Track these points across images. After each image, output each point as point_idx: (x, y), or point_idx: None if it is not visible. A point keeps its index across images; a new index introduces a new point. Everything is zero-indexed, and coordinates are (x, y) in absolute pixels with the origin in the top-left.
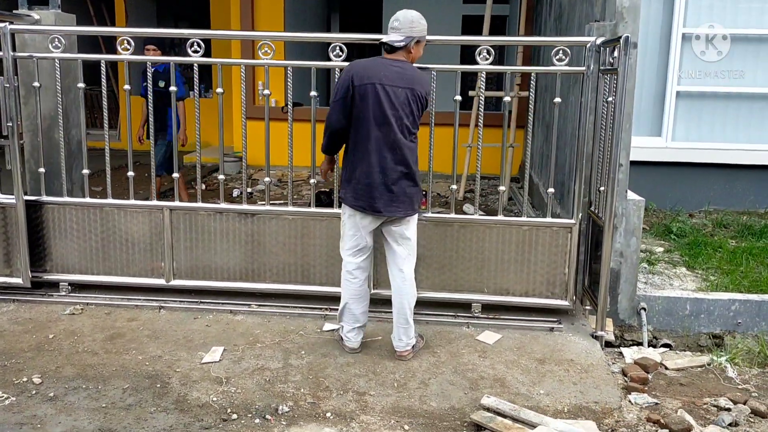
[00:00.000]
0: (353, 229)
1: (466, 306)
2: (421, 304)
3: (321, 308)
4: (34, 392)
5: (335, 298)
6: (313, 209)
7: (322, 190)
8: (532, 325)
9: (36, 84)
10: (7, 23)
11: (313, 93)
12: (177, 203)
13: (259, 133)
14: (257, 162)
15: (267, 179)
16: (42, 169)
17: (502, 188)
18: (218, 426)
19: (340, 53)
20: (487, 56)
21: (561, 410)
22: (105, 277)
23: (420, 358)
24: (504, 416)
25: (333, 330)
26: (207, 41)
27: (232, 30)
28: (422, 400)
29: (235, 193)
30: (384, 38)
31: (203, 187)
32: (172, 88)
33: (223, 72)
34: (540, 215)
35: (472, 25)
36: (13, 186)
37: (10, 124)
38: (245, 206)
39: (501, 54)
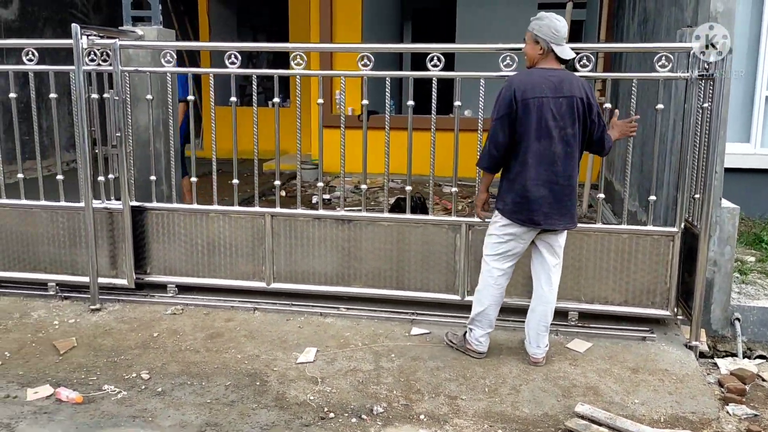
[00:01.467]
0: (507, 237)
1: (560, 314)
2: (513, 311)
3: (408, 312)
4: (143, 387)
5: (425, 303)
6: (409, 216)
7: (401, 196)
8: (623, 334)
9: (149, 96)
10: (117, 39)
11: (410, 102)
12: (278, 209)
13: (335, 140)
14: (334, 169)
15: (363, 186)
16: (153, 177)
17: (601, 196)
18: (317, 424)
19: (438, 63)
20: (587, 63)
21: (657, 420)
22: (205, 279)
23: (509, 365)
24: (599, 424)
25: (422, 334)
26: (286, 52)
27: (311, 42)
28: (514, 406)
29: (314, 200)
30: (571, 55)
31: (283, 193)
32: (190, 97)
33: (300, 82)
34: (620, 223)
35: None
36: (120, 193)
37: (119, 134)
38: (342, 212)
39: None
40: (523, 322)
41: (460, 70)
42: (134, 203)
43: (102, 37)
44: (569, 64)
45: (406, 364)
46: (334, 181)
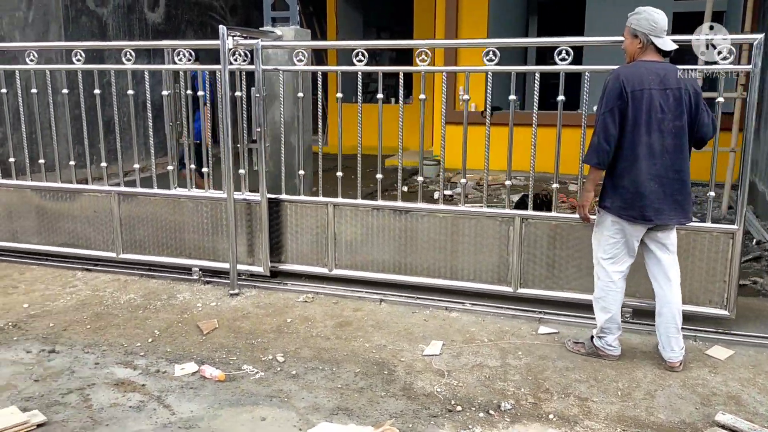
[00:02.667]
0: (618, 236)
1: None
2: (646, 314)
3: (535, 311)
4: (278, 369)
5: (549, 302)
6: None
7: (526, 194)
8: None
9: (300, 95)
10: (259, 40)
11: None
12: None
13: (457, 137)
14: (455, 165)
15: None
16: (302, 172)
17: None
18: (444, 416)
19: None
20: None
21: None
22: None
23: (644, 369)
24: None
25: (549, 333)
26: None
27: (436, 39)
28: (649, 412)
29: (435, 195)
30: (673, 46)
31: (405, 189)
32: (200, 93)
33: (424, 78)
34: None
35: (683, 23)
36: (258, 185)
37: (259, 130)
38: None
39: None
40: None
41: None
42: (270, 195)
43: (245, 38)
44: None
45: (533, 363)
46: (455, 177)
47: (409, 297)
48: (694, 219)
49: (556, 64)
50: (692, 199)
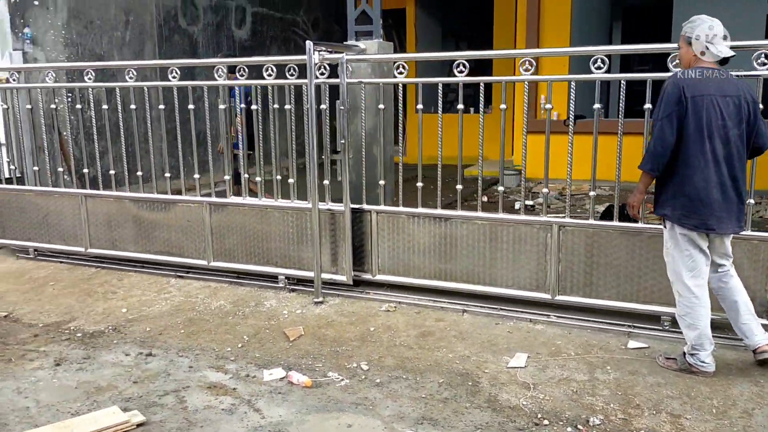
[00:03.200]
0: (691, 247)
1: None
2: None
3: (623, 324)
4: (363, 377)
5: (637, 315)
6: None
7: (611, 204)
8: None
9: (381, 106)
10: (344, 54)
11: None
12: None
13: (538, 146)
14: (536, 175)
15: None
16: (382, 182)
17: (750, 201)
18: (530, 429)
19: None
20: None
21: None
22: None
23: (740, 386)
24: None
25: (639, 348)
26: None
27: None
28: (746, 431)
29: (516, 205)
30: (724, 54)
31: (485, 199)
32: (242, 105)
33: (505, 87)
34: None
35: None
36: (342, 195)
37: (343, 141)
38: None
39: None
40: None
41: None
42: (353, 205)
43: (330, 52)
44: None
45: (623, 378)
46: (536, 186)
47: (492, 308)
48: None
49: (641, 72)
50: (745, 206)
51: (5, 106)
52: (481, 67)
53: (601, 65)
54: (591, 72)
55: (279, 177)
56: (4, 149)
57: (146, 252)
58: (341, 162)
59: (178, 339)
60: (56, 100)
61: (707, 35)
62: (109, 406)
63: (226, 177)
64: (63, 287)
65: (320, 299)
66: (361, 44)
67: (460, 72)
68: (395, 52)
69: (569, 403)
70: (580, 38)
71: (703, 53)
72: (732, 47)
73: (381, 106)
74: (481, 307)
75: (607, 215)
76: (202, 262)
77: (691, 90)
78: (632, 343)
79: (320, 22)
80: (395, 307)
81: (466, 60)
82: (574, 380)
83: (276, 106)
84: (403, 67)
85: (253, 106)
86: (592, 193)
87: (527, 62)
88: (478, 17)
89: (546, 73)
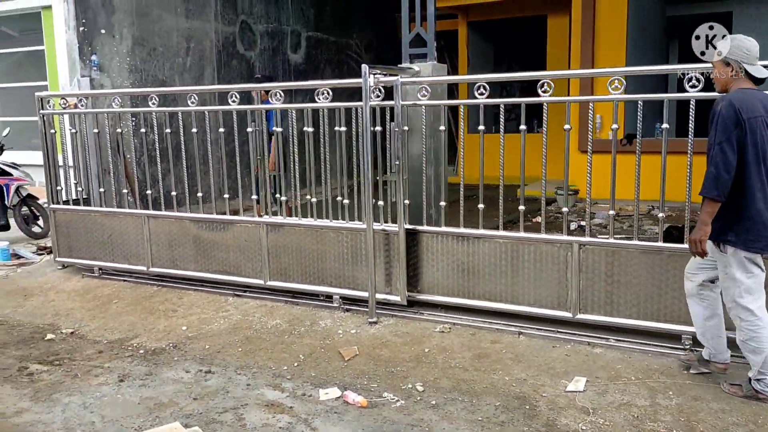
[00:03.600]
0: (755, 269)
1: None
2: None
3: (686, 349)
4: (418, 398)
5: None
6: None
7: (674, 225)
8: None
9: (442, 128)
10: (398, 77)
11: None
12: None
13: (594, 166)
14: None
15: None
16: (443, 203)
17: None
18: None
19: (696, 83)
20: None
21: None
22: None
23: None
24: None
25: (702, 373)
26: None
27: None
28: None
29: (573, 226)
30: (761, 74)
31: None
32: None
33: (554, 107)
34: None
35: None
36: (395, 215)
37: (398, 162)
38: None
39: None
40: None
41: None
42: (407, 226)
43: (385, 75)
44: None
45: (686, 404)
46: (593, 207)
47: (549, 330)
48: None
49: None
50: None
51: (74, 130)
52: (531, 87)
53: (695, 83)
54: (650, 91)
55: (333, 198)
56: (72, 171)
57: (205, 271)
58: (396, 183)
59: (236, 357)
60: (121, 124)
61: (745, 55)
62: (171, 422)
63: (254, 197)
64: (126, 305)
65: (374, 319)
66: (416, 66)
67: (545, 92)
68: (448, 74)
69: (630, 428)
70: (635, 56)
71: (739, 74)
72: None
73: (442, 127)
74: (537, 329)
75: (669, 237)
76: (259, 282)
77: (746, 111)
78: (695, 368)
79: (373, 45)
80: (450, 328)
81: (519, 80)
82: (635, 405)
83: (340, 128)
84: (485, 88)
85: (278, 129)
86: (660, 215)
87: (616, 81)
88: (532, 37)
89: (600, 91)
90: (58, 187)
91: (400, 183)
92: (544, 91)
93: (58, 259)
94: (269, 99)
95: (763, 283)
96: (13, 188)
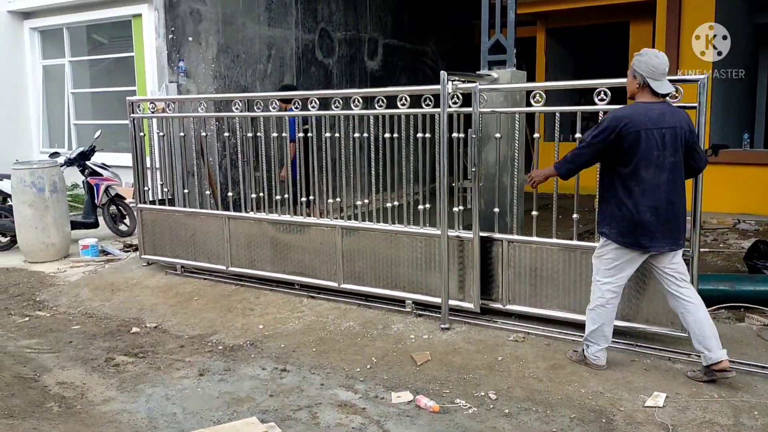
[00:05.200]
0: (618, 260)
1: None
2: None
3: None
4: (491, 406)
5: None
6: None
7: (762, 239)
8: None
9: (517, 135)
10: (477, 84)
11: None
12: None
13: None
14: None
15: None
16: (516, 209)
17: None
18: None
19: None
20: (676, 95)
21: None
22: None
23: None
24: None
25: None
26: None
27: None
28: None
29: None
30: (668, 90)
31: None
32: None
33: None
34: None
35: None
36: (470, 222)
37: (474, 169)
38: None
39: None
40: None
41: None
42: (482, 233)
43: (463, 82)
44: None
45: None
46: None
47: (628, 344)
48: None
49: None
50: (685, 228)
51: (161, 133)
52: (619, 94)
53: (604, 96)
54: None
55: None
56: (159, 173)
57: (281, 272)
58: (471, 189)
59: (310, 356)
60: (205, 128)
61: (650, 71)
62: (248, 416)
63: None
64: (206, 302)
65: (447, 325)
66: (494, 73)
67: (601, 100)
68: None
69: None
70: (722, 64)
71: (643, 87)
72: None
73: (497, 135)
74: (615, 342)
75: (753, 252)
76: (333, 284)
77: (627, 126)
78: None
79: (449, 52)
80: (524, 337)
81: (607, 87)
82: (717, 424)
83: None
84: (540, 96)
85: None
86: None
87: (537, 94)
88: (613, 45)
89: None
90: (146, 188)
91: (476, 190)
92: (601, 99)
93: (143, 256)
94: (291, 108)
95: (622, 276)
96: (102, 188)
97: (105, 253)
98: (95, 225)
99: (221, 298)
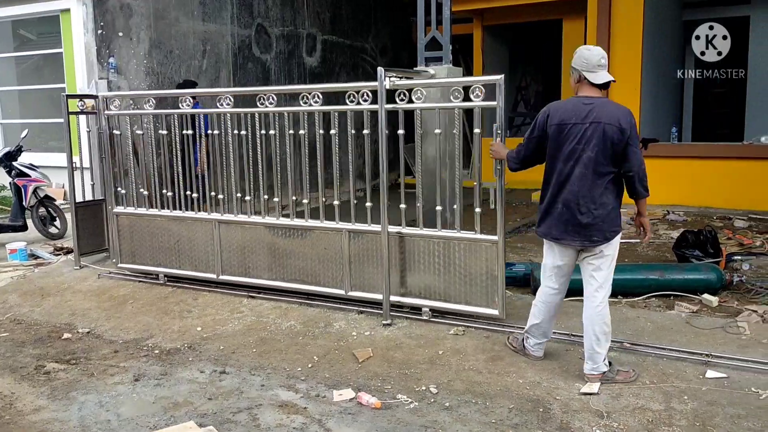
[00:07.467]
0: (549, 258)
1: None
2: None
3: (701, 354)
4: (432, 400)
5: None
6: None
7: (688, 230)
8: None
9: (476, 130)
10: (413, 79)
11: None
12: None
13: None
14: None
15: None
16: (455, 206)
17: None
18: None
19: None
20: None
21: None
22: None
23: None
24: None
25: (718, 378)
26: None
27: None
28: None
29: None
30: (604, 79)
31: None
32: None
33: None
34: None
35: None
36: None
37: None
38: None
39: None
40: None
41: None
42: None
43: (400, 78)
44: None
45: (701, 408)
46: None
47: (563, 334)
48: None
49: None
50: (602, 225)
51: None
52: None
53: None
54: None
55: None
56: (88, 174)
57: (220, 273)
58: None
59: (251, 358)
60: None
61: (584, 64)
62: (186, 421)
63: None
64: (141, 305)
65: (388, 321)
66: (431, 69)
67: (476, 96)
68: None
69: None
70: (651, 61)
71: (582, 81)
72: None
73: (476, 130)
74: (553, 333)
75: (681, 242)
76: (275, 283)
77: (554, 119)
78: (711, 373)
79: (389, 49)
80: (464, 331)
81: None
82: (649, 409)
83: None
84: (480, 91)
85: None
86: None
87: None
88: (549, 41)
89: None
90: (121, 189)
91: (420, 187)
92: (476, 96)
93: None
94: (198, 103)
95: (555, 273)
96: (31, 189)
97: (34, 257)
98: (24, 228)
99: (157, 300)
